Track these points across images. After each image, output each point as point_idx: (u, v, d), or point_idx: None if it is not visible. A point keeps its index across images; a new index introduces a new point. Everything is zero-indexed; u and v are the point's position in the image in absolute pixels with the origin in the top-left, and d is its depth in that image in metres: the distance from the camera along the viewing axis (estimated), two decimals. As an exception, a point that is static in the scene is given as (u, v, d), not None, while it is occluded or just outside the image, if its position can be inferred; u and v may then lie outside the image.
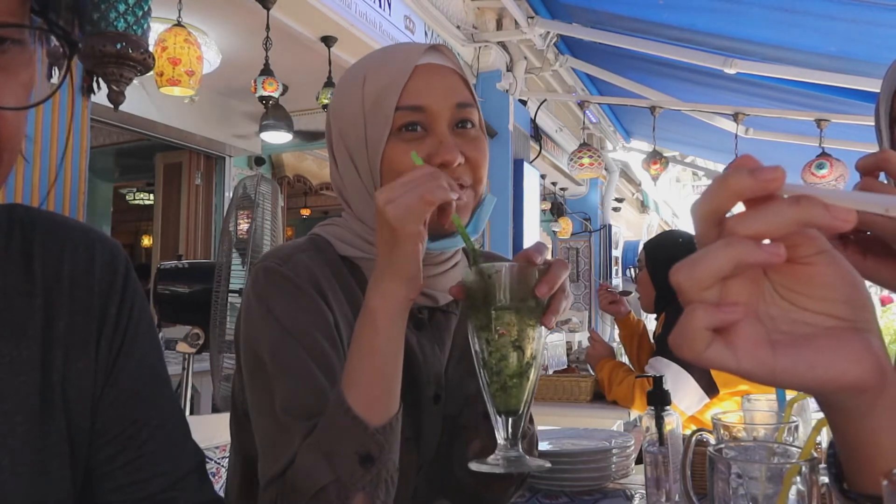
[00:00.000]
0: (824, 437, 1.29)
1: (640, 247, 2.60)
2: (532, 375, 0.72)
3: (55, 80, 0.57)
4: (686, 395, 2.11)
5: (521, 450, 0.71)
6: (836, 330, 0.39)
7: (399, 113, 0.83)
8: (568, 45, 5.07)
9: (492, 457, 0.70)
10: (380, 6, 3.69)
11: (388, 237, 0.71)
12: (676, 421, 1.06)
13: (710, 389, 2.13)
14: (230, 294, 2.23)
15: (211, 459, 1.81)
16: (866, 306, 0.40)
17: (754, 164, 0.37)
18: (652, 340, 2.55)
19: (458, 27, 4.48)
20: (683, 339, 0.38)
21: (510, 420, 0.71)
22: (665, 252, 2.38)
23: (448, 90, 0.85)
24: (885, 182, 0.68)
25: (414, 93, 0.83)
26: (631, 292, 2.89)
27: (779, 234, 0.37)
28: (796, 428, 0.81)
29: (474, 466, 0.70)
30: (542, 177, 6.24)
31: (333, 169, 0.93)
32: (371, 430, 0.70)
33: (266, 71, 3.39)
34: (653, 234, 3.42)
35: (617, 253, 8.43)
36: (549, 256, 0.73)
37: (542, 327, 0.71)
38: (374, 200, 0.85)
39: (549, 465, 0.73)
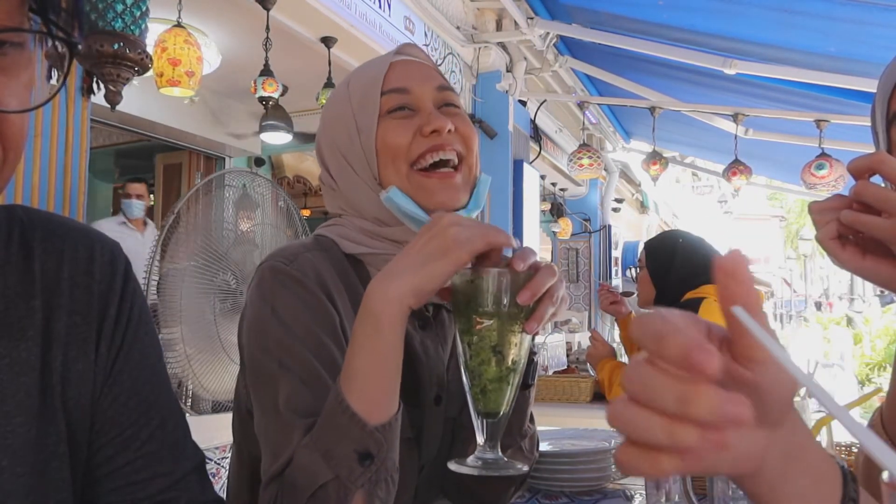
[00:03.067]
0: (823, 436, 1.29)
1: (640, 246, 2.60)
2: (514, 381, 0.72)
3: (54, 81, 0.57)
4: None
5: (499, 452, 0.71)
6: None
7: (385, 97, 0.88)
8: (568, 46, 5.07)
9: (471, 458, 0.71)
10: (380, 7, 3.69)
11: (433, 250, 0.68)
12: (676, 421, 1.05)
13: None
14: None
15: (211, 459, 1.81)
16: (783, 411, 0.42)
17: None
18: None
19: (457, 28, 4.48)
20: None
21: (488, 422, 0.71)
22: (665, 252, 2.39)
23: (427, 76, 0.92)
24: (882, 185, 0.68)
25: (396, 78, 0.90)
26: (633, 293, 2.89)
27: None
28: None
29: (453, 467, 0.71)
30: (542, 177, 6.24)
31: (329, 181, 0.94)
32: (370, 427, 0.69)
33: (266, 71, 3.39)
34: (652, 235, 3.43)
35: (617, 253, 8.44)
36: (538, 259, 0.72)
37: (526, 333, 0.71)
38: (375, 192, 0.88)
39: (526, 468, 0.73)
